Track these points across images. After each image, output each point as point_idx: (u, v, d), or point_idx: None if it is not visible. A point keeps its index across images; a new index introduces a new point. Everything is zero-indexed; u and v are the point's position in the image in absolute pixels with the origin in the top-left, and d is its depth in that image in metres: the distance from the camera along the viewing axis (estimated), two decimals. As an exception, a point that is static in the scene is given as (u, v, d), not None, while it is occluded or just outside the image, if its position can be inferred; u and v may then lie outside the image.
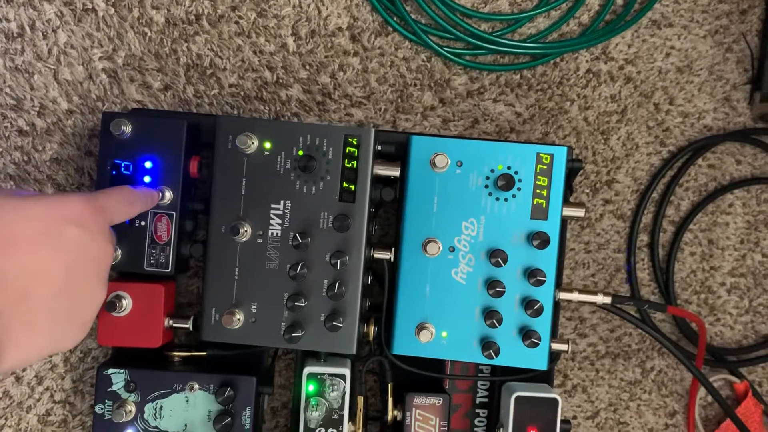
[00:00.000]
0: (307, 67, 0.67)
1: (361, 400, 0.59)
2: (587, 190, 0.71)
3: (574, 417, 0.72)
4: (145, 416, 0.57)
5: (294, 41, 0.66)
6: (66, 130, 0.64)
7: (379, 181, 0.58)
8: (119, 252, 0.56)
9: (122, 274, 0.58)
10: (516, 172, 0.57)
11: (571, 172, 0.60)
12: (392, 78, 0.68)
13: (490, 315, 0.56)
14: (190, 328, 0.59)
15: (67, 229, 0.41)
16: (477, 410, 0.65)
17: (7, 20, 0.63)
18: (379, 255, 0.58)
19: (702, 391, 0.74)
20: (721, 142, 0.73)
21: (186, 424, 0.57)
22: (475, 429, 0.65)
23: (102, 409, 0.57)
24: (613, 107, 0.71)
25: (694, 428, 0.73)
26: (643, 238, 0.73)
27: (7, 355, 0.39)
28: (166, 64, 0.65)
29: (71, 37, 0.63)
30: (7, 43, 0.63)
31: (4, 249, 0.39)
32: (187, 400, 0.57)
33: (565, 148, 0.57)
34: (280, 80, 0.66)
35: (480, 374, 0.65)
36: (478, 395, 0.65)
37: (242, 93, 0.66)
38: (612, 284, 0.72)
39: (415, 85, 0.68)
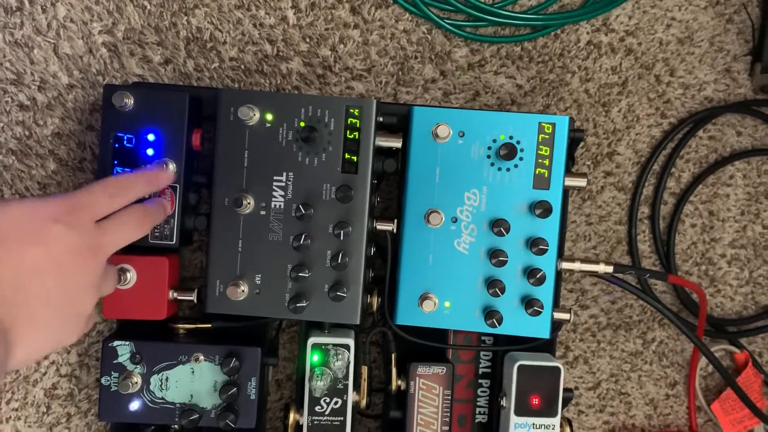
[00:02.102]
0: (308, 39, 0.66)
1: (365, 369, 0.59)
2: (588, 162, 0.71)
3: (576, 388, 0.73)
4: (151, 387, 0.57)
5: (294, 14, 0.66)
6: (67, 104, 0.63)
7: (380, 152, 0.58)
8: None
9: (126, 247, 0.58)
10: (518, 142, 0.57)
11: (573, 142, 0.60)
12: (393, 50, 0.67)
13: (493, 284, 0.57)
14: (195, 301, 0.59)
15: (50, 226, 0.43)
16: (480, 380, 0.66)
17: (6, -6, 0.62)
18: (381, 226, 0.59)
19: (702, 362, 0.74)
20: (722, 114, 0.73)
21: (192, 395, 0.57)
22: (478, 399, 0.66)
23: (108, 380, 0.57)
24: (614, 79, 0.71)
25: (695, 398, 0.74)
26: (644, 210, 0.73)
27: (17, 349, 0.40)
28: (166, 37, 0.64)
29: (70, 10, 0.63)
30: (6, 17, 0.62)
31: None
32: (193, 371, 0.57)
33: (567, 118, 0.57)
34: (281, 53, 0.66)
35: (483, 344, 0.65)
36: (480, 366, 0.66)
37: (243, 66, 0.66)
38: (613, 256, 0.72)
39: (416, 57, 0.68)
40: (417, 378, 0.60)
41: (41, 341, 0.43)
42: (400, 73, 0.68)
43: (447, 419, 0.60)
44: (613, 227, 0.72)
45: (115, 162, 0.56)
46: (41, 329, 0.42)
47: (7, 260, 0.41)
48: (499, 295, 0.57)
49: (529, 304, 0.57)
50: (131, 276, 0.56)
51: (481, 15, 0.67)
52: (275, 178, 0.56)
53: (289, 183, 0.56)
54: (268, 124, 0.56)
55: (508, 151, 0.56)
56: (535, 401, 0.59)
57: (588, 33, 0.70)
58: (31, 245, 0.42)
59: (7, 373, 0.40)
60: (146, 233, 0.52)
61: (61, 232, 0.43)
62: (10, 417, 0.65)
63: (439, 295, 0.58)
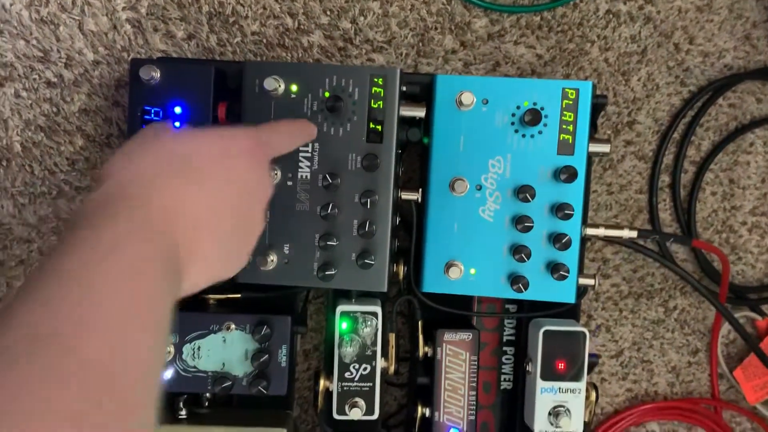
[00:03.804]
0: (328, 12, 0.67)
1: (392, 336, 0.60)
2: (609, 132, 0.72)
3: (599, 356, 0.74)
4: (184, 356, 0.58)
5: (314, -13, 0.66)
6: (93, 80, 0.64)
7: (404, 122, 0.59)
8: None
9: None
10: (542, 108, 0.57)
11: (596, 108, 0.60)
12: (413, 22, 0.68)
13: (519, 250, 0.57)
14: (224, 272, 0.60)
15: (237, 160, 0.42)
16: (504, 348, 0.66)
17: (30, -27, 0.63)
18: (406, 196, 0.59)
19: (724, 330, 0.75)
20: (742, 81, 0.73)
21: (224, 363, 0.58)
22: (503, 366, 0.66)
23: (141, 350, 0.58)
24: (633, 48, 0.71)
25: (717, 365, 0.75)
26: (665, 178, 0.73)
27: (185, 282, 0.38)
28: (189, 13, 0.65)
29: (94, -13, 0.64)
30: (31, -5, 0.63)
31: (184, 173, 0.39)
32: (224, 340, 0.58)
33: (590, 83, 0.57)
34: (302, 26, 0.66)
35: (507, 312, 0.66)
36: (505, 334, 0.66)
37: (264, 40, 0.66)
38: (634, 225, 0.73)
39: (436, 28, 0.68)
40: (444, 344, 0.61)
41: (206, 275, 0.41)
42: (421, 44, 0.68)
43: (474, 384, 0.61)
44: (634, 196, 0.73)
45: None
46: (210, 264, 0.41)
47: (194, 195, 0.39)
48: (525, 261, 0.57)
49: (555, 269, 0.57)
50: (161, 248, 0.57)
51: (501, -15, 0.67)
52: (301, 148, 0.56)
53: (315, 153, 0.57)
54: (293, 95, 0.56)
55: (532, 118, 0.56)
56: (561, 366, 0.60)
57: (607, 2, 0.70)
58: (219, 181, 0.41)
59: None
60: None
61: (247, 170, 0.43)
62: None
63: (465, 263, 0.58)
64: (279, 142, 0.49)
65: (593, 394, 0.62)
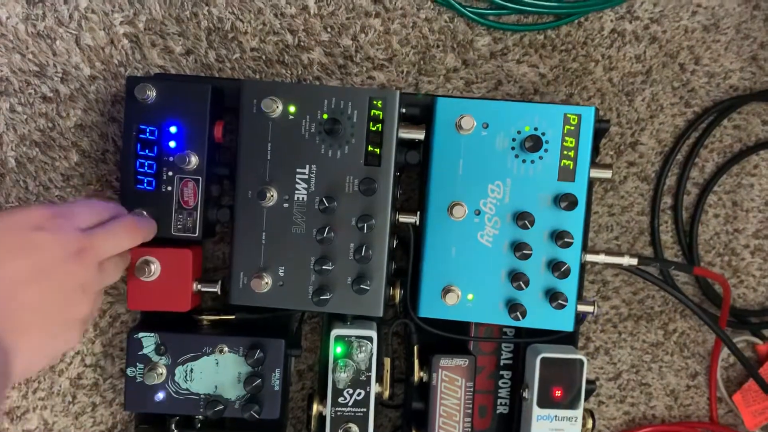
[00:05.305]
0: (329, 29, 0.66)
1: (387, 361, 0.60)
2: (611, 152, 0.71)
3: (597, 379, 0.73)
4: (176, 378, 0.58)
5: (315, 3, 0.65)
6: (89, 96, 0.63)
7: (403, 144, 0.58)
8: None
9: (151, 240, 0.58)
10: (543, 134, 0.56)
11: (598, 133, 0.59)
12: (414, 39, 0.67)
13: (517, 277, 0.56)
14: (218, 292, 0.59)
15: (32, 234, 0.43)
16: (501, 372, 0.66)
17: (27, -15, 0.62)
18: (404, 219, 0.58)
19: (723, 353, 0.74)
20: (747, 103, 0.72)
21: (216, 386, 0.58)
22: (499, 390, 0.66)
23: (134, 372, 0.57)
24: (638, 68, 0.70)
25: (716, 389, 0.74)
26: (667, 200, 0.72)
27: (16, 360, 0.40)
28: (187, 28, 0.64)
29: (92, 1, 0.63)
30: (28, 8, 0.62)
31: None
32: (217, 363, 0.58)
33: (592, 109, 0.56)
34: (302, 43, 0.66)
35: (505, 336, 0.65)
36: (502, 357, 0.66)
37: (264, 57, 0.65)
38: (635, 247, 0.72)
39: (438, 46, 0.67)
40: (440, 370, 0.60)
41: (40, 350, 0.43)
42: (422, 62, 0.67)
43: (469, 411, 0.60)
44: (635, 218, 0.72)
45: (139, 154, 0.56)
46: (37, 338, 0.42)
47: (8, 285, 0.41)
48: (523, 288, 0.56)
49: (554, 297, 0.56)
50: (155, 268, 0.56)
51: (504, 3, 0.66)
52: (298, 170, 0.56)
53: (312, 176, 0.56)
54: (291, 116, 0.55)
55: (533, 143, 0.55)
56: (558, 393, 0.59)
57: (612, 21, 0.69)
58: (15, 257, 0.42)
59: (11, 386, 0.40)
60: (136, 244, 0.52)
61: (44, 239, 0.43)
62: (37, 406, 0.66)
63: (463, 288, 0.58)
64: (81, 215, 0.48)
65: (590, 422, 0.61)
